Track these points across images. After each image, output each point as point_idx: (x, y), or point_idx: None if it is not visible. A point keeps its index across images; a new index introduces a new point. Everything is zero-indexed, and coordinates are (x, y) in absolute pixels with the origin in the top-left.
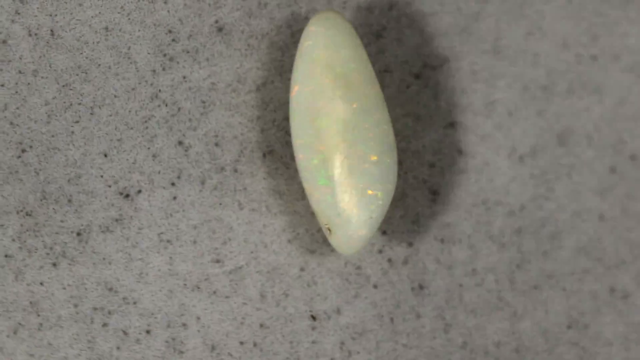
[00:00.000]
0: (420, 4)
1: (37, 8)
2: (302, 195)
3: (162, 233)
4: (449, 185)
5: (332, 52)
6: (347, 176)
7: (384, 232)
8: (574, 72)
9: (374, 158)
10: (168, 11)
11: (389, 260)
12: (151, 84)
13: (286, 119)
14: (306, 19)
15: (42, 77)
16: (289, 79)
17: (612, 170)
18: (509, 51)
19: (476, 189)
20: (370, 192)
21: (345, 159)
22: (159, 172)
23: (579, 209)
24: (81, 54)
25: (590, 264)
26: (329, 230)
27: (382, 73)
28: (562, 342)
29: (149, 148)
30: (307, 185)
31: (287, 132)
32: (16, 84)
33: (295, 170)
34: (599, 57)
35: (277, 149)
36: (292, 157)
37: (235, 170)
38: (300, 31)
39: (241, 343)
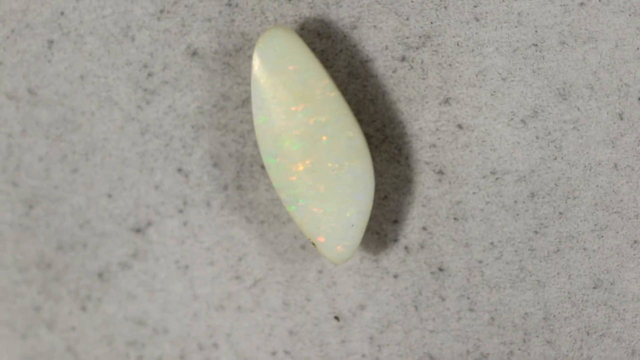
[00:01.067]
0: None
1: (9, 73)
2: None
3: (178, 260)
4: (454, 163)
5: (282, 70)
6: (319, 192)
7: (395, 221)
8: (563, 24)
9: (344, 166)
10: (137, 48)
11: (405, 248)
12: (138, 120)
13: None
14: None
15: (30, 136)
16: None
17: (620, 116)
18: (490, 16)
19: (481, 161)
20: (345, 201)
21: (313, 175)
22: (164, 203)
23: (590, 163)
24: (62, 106)
25: (609, 219)
26: (314, 244)
27: (365, 63)
28: (590, 304)
29: (149, 181)
30: (284, 203)
31: None
32: (8, 146)
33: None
34: (587, 3)
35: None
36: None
37: (238, 187)
38: None
39: (273, 354)
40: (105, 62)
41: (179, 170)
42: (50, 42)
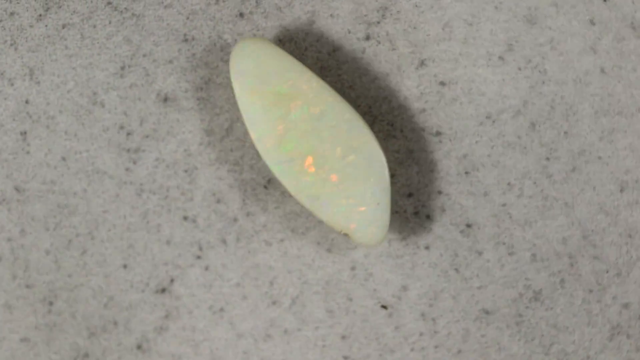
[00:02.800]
0: None
1: None
2: None
3: (211, 305)
4: (448, 120)
5: (262, 77)
6: (335, 182)
7: (409, 195)
8: None
9: (351, 149)
10: (109, 112)
11: (428, 216)
12: (131, 182)
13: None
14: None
15: (30, 233)
16: None
17: (592, 22)
18: None
19: (474, 109)
20: (363, 183)
21: (325, 168)
22: (180, 254)
23: (578, 76)
24: (53, 193)
25: (613, 121)
26: (347, 235)
27: (334, 53)
28: (622, 207)
29: (159, 239)
30: (307, 206)
31: None
32: (12, 251)
33: None
34: None
35: (272, 176)
36: None
37: (247, 215)
38: None
39: None
40: (83, 136)
41: (185, 218)
42: (23, 133)
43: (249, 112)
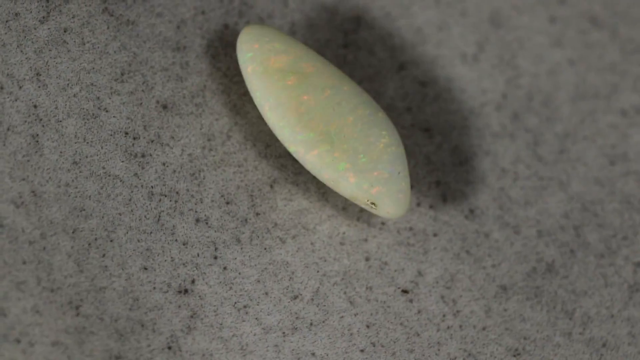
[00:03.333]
0: None
1: (9, 179)
2: (324, 197)
3: (235, 302)
4: (434, 116)
5: (277, 57)
6: (355, 152)
7: (410, 187)
8: None
9: (364, 117)
10: (114, 117)
11: (431, 206)
12: (142, 186)
13: (268, 145)
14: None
15: (51, 236)
16: (248, 112)
17: (552, 20)
18: None
19: (457, 105)
20: (381, 155)
21: (346, 134)
22: (198, 255)
23: (549, 67)
24: (68, 196)
25: (592, 104)
26: (374, 204)
27: None
28: (615, 178)
29: (175, 240)
30: (327, 178)
31: (277, 155)
32: (34, 254)
33: (305, 181)
34: None
35: (278, 175)
36: (295, 172)
37: (257, 214)
38: (231, 69)
39: (362, 351)
40: (91, 140)
41: (198, 220)
42: (35, 136)
43: (264, 92)
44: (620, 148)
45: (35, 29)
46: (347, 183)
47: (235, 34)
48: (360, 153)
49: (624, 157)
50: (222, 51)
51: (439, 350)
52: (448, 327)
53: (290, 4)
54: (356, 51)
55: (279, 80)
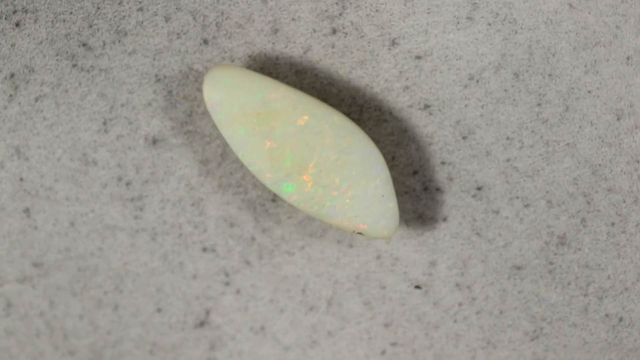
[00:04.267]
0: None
1: (8, 260)
2: None
3: (252, 327)
4: (432, 91)
5: (240, 102)
6: (337, 185)
7: (415, 172)
8: None
9: (344, 151)
10: (103, 168)
11: (437, 189)
12: (143, 229)
13: None
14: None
15: (60, 303)
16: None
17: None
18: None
19: (455, 74)
20: (364, 180)
21: (323, 174)
22: (209, 286)
23: (548, 17)
24: (71, 259)
25: (593, 53)
26: (361, 234)
27: (305, 55)
28: (622, 135)
29: (185, 276)
30: (315, 216)
31: None
32: (47, 324)
33: None
34: None
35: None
36: None
37: (263, 231)
38: (197, 112)
39: (382, 353)
40: (84, 198)
41: (204, 249)
42: (26, 210)
43: (234, 140)
44: (626, 100)
45: (5, 108)
46: (330, 219)
47: (216, 47)
48: (340, 182)
49: (630, 109)
50: (204, 70)
51: (457, 342)
52: (465, 317)
53: (269, 2)
54: (344, 36)
55: (247, 125)
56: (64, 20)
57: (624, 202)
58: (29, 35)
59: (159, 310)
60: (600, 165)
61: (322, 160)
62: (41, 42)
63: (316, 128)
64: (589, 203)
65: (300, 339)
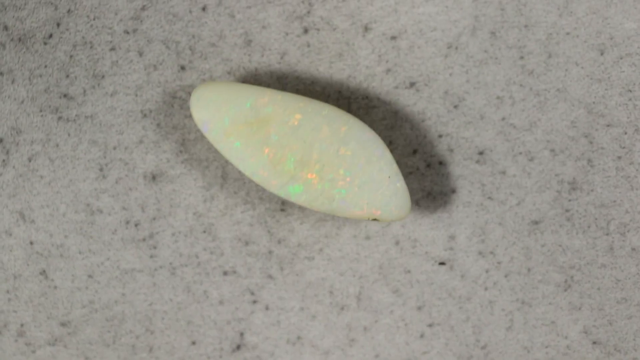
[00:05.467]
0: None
1: (35, 326)
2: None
3: (288, 339)
4: (414, 68)
5: (229, 115)
6: (342, 176)
7: (414, 151)
8: None
9: (341, 141)
10: (109, 214)
11: (440, 163)
12: (160, 266)
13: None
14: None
15: (94, 357)
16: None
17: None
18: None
19: (432, 45)
20: (367, 166)
21: (327, 168)
22: (237, 308)
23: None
24: (96, 311)
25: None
26: (376, 219)
27: (282, 59)
28: (610, 70)
29: (211, 303)
30: (327, 212)
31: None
32: None
33: None
34: None
35: (284, 198)
36: None
37: (279, 242)
38: (187, 139)
39: (421, 336)
40: (97, 248)
41: (225, 273)
42: (43, 272)
43: (232, 153)
44: (606, 33)
45: (0, 175)
46: (343, 212)
47: (194, 71)
48: (351, 176)
49: (612, 41)
50: (188, 97)
51: (492, 309)
52: (494, 283)
53: (236, 15)
54: (317, 32)
55: (242, 136)
56: (40, 75)
57: (625, 133)
58: (9, 97)
59: (193, 342)
60: (594, 102)
61: (323, 154)
62: (22, 102)
63: (310, 125)
64: (591, 143)
65: (338, 341)
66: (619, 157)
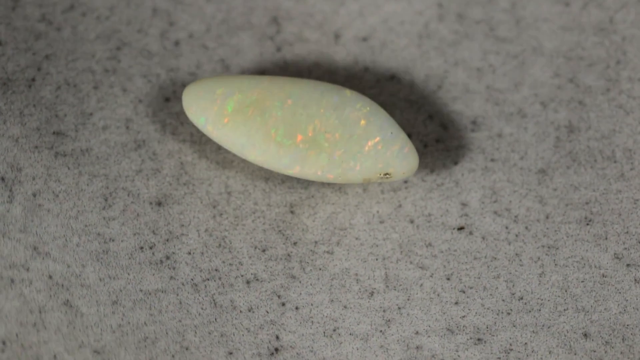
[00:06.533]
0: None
1: (67, 355)
2: (342, 192)
3: (324, 331)
4: (392, 61)
5: (225, 103)
6: (345, 140)
7: (409, 136)
8: None
9: (337, 112)
10: (122, 240)
11: (436, 141)
12: (183, 284)
13: (268, 178)
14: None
15: None
16: (232, 160)
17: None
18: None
19: (405, 38)
20: (367, 127)
21: (328, 136)
22: (267, 312)
23: None
24: (126, 334)
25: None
26: (388, 174)
27: (259, 65)
28: (579, 15)
29: (240, 311)
30: (334, 178)
31: (280, 182)
32: None
33: (318, 189)
34: None
35: (291, 198)
36: (304, 187)
37: (295, 244)
38: (195, 131)
39: (456, 303)
40: (116, 273)
41: (248, 282)
42: (66, 302)
43: (233, 139)
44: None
45: (8, 211)
46: (354, 172)
47: (178, 102)
48: (350, 137)
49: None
50: (178, 124)
51: (520, 260)
52: (516, 236)
53: (209, 45)
54: (290, 47)
55: (241, 121)
56: (30, 114)
57: (608, 67)
58: (2, 135)
59: (230, 353)
60: (570, 50)
61: (323, 125)
62: (17, 140)
63: (304, 100)
64: (577, 85)
65: (374, 324)
66: (608, 90)
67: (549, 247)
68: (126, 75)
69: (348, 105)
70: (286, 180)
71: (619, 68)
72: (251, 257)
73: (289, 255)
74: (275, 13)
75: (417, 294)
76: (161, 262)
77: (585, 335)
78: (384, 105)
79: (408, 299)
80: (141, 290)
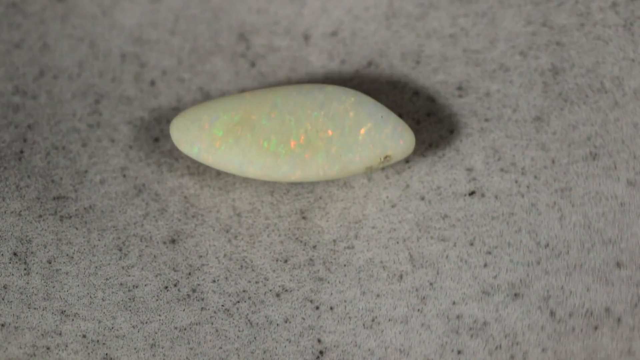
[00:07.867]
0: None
1: None
2: (348, 187)
3: (364, 323)
4: (366, 51)
5: (213, 128)
6: (338, 133)
7: (400, 114)
8: None
9: (324, 108)
10: (146, 285)
11: (428, 115)
12: (215, 312)
13: (273, 191)
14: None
15: None
16: (233, 183)
17: None
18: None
19: (363, 42)
20: (356, 116)
21: (321, 134)
22: (303, 320)
23: None
24: None
25: None
26: (388, 157)
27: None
28: None
29: (277, 324)
30: (337, 174)
31: (285, 192)
32: None
33: (324, 189)
34: None
35: (300, 205)
36: (310, 190)
37: (314, 248)
38: (189, 161)
39: (485, 266)
40: (147, 317)
41: (278, 295)
42: (106, 356)
43: (230, 160)
44: None
45: (28, 283)
46: (354, 164)
47: (168, 139)
48: (342, 130)
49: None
50: (173, 161)
51: (537, 208)
52: (528, 187)
53: (184, 77)
54: (263, 59)
55: (233, 142)
56: (27, 186)
57: (577, 2)
58: (5, 212)
59: None
60: (545, 16)
61: (312, 122)
62: (20, 213)
63: (290, 105)
64: (552, 27)
65: (411, 305)
66: (582, 25)
67: (562, 190)
68: (111, 125)
69: (333, 100)
70: (291, 188)
71: (588, 1)
72: (275, 271)
73: (311, 259)
74: (241, 30)
75: (444, 266)
76: (188, 296)
77: (618, 264)
78: (368, 92)
79: (437, 273)
80: (176, 328)
